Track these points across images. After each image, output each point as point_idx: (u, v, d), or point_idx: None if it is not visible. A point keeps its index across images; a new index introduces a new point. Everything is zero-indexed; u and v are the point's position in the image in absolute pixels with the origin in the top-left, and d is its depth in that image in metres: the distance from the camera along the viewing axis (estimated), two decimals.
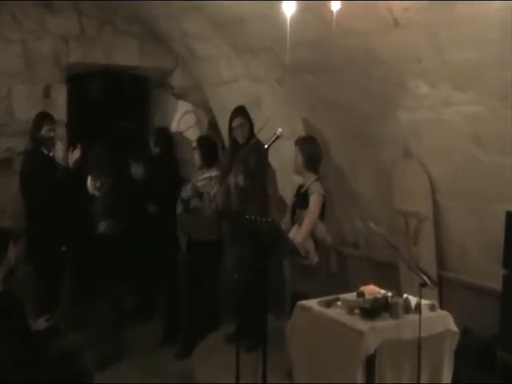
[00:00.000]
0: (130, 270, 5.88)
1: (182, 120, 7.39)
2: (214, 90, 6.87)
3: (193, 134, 7.23)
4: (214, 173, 5.98)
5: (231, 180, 5.77)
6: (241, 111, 5.80)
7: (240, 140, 5.75)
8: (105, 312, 5.77)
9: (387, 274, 5.23)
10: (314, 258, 5.02)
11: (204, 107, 7.32)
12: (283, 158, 5.90)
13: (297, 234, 4.98)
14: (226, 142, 6.57)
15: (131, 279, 6.22)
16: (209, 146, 6.13)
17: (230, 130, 5.80)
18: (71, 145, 6.07)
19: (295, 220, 5.18)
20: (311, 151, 5.22)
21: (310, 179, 5.21)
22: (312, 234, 5.04)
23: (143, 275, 6.64)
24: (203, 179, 5.97)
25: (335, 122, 5.46)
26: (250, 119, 5.79)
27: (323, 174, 5.34)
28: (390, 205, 5.28)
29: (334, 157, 5.64)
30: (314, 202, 5.08)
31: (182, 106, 7.44)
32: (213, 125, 7.31)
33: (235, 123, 5.75)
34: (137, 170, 6.40)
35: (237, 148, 5.74)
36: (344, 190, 5.73)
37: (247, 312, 5.44)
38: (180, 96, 7.42)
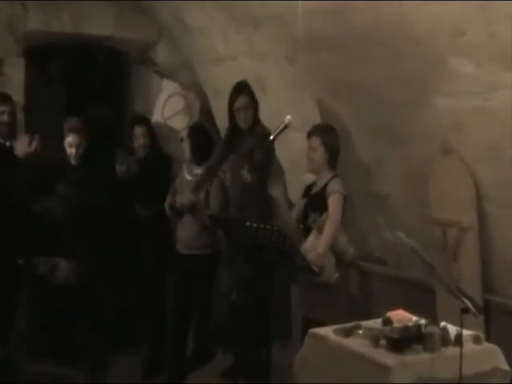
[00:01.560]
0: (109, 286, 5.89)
1: (168, 104, 7.40)
2: (207, 69, 6.87)
3: (180, 122, 7.29)
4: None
5: (230, 177, 5.84)
6: (244, 88, 5.82)
7: (243, 125, 5.78)
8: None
9: (420, 297, 5.26)
10: (333, 275, 5.05)
11: (195, 89, 7.34)
12: (292, 152, 5.95)
13: (318, 244, 5.03)
14: (223, 132, 6.59)
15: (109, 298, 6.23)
16: (203, 136, 6.21)
17: (231, 111, 5.82)
18: (29, 133, 6.09)
19: (309, 224, 5.22)
20: (333, 143, 5.28)
21: (326, 176, 5.27)
22: (331, 245, 5.09)
23: (123, 293, 6.66)
24: (194, 177, 6.04)
25: (358, 109, 5.48)
26: (255, 99, 5.83)
27: (342, 173, 5.38)
28: (424, 212, 5.29)
29: (356, 152, 5.67)
30: (336, 202, 5.12)
31: (168, 87, 7.46)
32: (205, 111, 7.33)
33: (238, 103, 5.76)
34: (122, 168, 6.42)
35: (237, 135, 5.81)
36: (368, 192, 5.76)
37: (247, 340, 5.48)
38: (165, 75, 7.44)
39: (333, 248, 5.09)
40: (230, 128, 5.93)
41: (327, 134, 5.28)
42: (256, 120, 5.79)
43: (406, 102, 5.03)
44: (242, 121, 5.77)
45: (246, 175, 5.49)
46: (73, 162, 5.89)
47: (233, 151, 5.89)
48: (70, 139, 5.90)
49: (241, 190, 5.68)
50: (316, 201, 5.27)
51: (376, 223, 5.86)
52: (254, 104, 5.80)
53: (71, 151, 5.88)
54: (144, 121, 6.79)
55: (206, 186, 6.02)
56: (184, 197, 5.99)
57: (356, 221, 5.82)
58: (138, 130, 6.58)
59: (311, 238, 5.10)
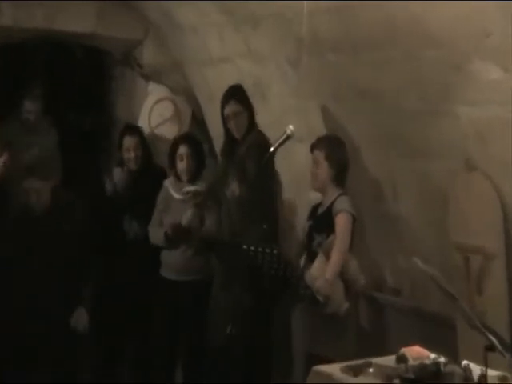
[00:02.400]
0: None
1: (155, 110, 7.44)
2: (199, 72, 6.90)
3: (169, 131, 7.31)
4: (202, 186, 6.06)
5: (225, 193, 5.83)
6: (235, 92, 5.86)
7: (236, 134, 5.81)
8: None
9: (439, 332, 5.22)
10: (343, 305, 5.03)
11: (185, 94, 7.36)
12: (295, 165, 5.97)
13: (325, 269, 5.00)
14: (216, 142, 6.64)
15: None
16: (200, 148, 6.26)
17: (223, 120, 5.86)
18: None
19: (313, 249, 5.21)
20: (340, 157, 5.29)
21: (332, 195, 5.28)
22: (341, 271, 5.07)
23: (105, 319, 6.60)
24: (187, 195, 6.02)
25: (369, 118, 5.46)
26: (250, 105, 5.87)
27: (350, 191, 5.39)
28: (444, 235, 5.25)
29: (366, 167, 5.65)
30: (344, 222, 5.13)
31: (155, 92, 7.51)
32: (197, 118, 7.36)
33: (227, 110, 5.79)
34: (114, 183, 6.48)
35: (232, 146, 5.84)
36: (380, 213, 5.73)
37: (244, 378, 5.45)
38: (152, 77, 7.49)
39: (342, 275, 5.08)
40: (225, 138, 5.96)
41: (332, 147, 5.30)
42: (252, 128, 5.81)
43: (423, 110, 5.01)
44: (234, 130, 5.81)
45: (235, 188, 5.55)
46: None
47: (230, 164, 5.90)
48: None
49: (237, 208, 5.66)
50: (322, 222, 5.28)
51: (389, 248, 5.82)
52: (247, 111, 5.82)
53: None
54: (136, 130, 6.80)
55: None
56: (183, 218, 5.95)
57: (366, 245, 5.81)
58: (130, 141, 6.61)
59: (317, 263, 5.09)
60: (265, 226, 5.05)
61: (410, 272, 5.55)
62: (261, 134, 5.74)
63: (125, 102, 7.66)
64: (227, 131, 5.87)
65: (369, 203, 5.72)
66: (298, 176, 5.98)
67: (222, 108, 5.83)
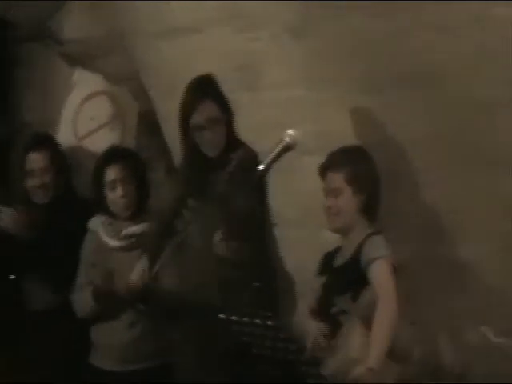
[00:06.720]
0: None
1: (84, 112, 7.53)
2: (150, 49, 6.89)
3: (106, 142, 7.20)
4: (150, 225, 6.14)
5: (197, 237, 5.81)
6: (208, 87, 5.85)
7: (210, 151, 5.81)
8: None
9: None
10: None
11: (130, 84, 7.44)
12: (301, 191, 5.96)
13: (370, 351, 4.85)
14: (177, 158, 6.62)
15: None
16: (140, 166, 6.36)
17: (185, 130, 5.84)
18: None
19: (335, 318, 5.13)
20: (369, 178, 5.26)
21: (359, 234, 5.22)
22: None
23: None
24: (128, 240, 6.12)
25: (421, 113, 5.44)
26: (228, 108, 5.87)
27: (389, 229, 5.33)
28: None
29: (413, 190, 5.65)
30: (384, 274, 5.05)
31: (84, 82, 7.61)
32: (148, 122, 7.34)
33: (199, 117, 5.76)
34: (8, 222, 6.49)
35: (200, 167, 5.84)
36: (435, 260, 5.72)
37: None
38: (79, 60, 7.53)
39: (391, 350, 4.97)
40: (186, 158, 5.98)
41: (356, 164, 5.29)
42: (232, 142, 5.82)
43: (506, 101, 4.99)
44: (208, 145, 5.81)
45: (220, 244, 5.51)
46: None
47: (197, 195, 5.91)
48: None
49: (215, 260, 5.65)
50: (344, 276, 5.22)
51: (449, 312, 5.80)
52: (225, 115, 5.83)
53: None
54: (46, 142, 6.80)
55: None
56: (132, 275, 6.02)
57: (414, 308, 5.70)
58: (36, 160, 6.62)
59: (357, 338, 4.98)
60: (257, 285, 5.06)
61: (482, 349, 5.56)
62: (249, 150, 5.77)
63: (37, 98, 7.72)
64: (192, 147, 5.85)
65: (417, 245, 5.72)
66: (306, 207, 5.98)
67: (187, 114, 5.80)
